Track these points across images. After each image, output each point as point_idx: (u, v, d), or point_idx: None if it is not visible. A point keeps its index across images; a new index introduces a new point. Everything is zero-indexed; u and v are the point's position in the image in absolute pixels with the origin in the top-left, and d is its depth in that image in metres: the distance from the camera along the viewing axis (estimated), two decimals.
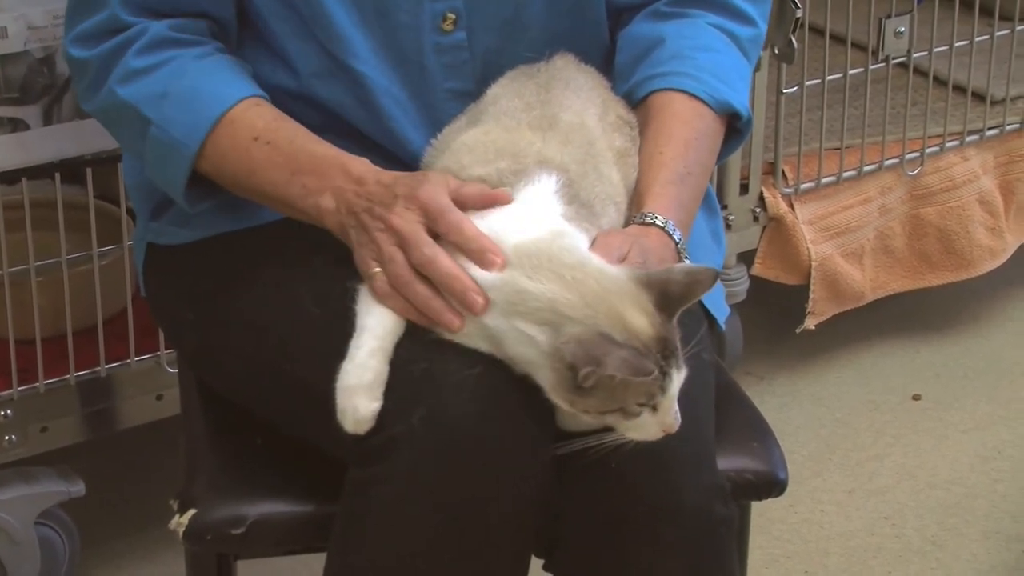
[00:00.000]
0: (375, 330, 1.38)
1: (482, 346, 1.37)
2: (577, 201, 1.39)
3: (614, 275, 1.34)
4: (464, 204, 1.38)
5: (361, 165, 1.44)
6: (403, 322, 1.38)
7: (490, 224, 1.37)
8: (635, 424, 1.33)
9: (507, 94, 1.50)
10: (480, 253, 1.35)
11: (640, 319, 1.32)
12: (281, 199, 1.47)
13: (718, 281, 1.38)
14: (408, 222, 1.37)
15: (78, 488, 2.08)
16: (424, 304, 1.36)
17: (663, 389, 1.32)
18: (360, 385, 1.36)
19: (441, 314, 1.36)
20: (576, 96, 1.49)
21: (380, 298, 1.38)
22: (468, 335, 1.36)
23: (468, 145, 1.45)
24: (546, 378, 1.33)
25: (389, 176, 1.42)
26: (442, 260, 1.35)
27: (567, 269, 1.33)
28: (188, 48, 1.52)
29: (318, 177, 1.44)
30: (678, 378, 1.34)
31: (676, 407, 1.34)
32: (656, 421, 1.34)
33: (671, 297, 1.34)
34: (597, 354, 1.29)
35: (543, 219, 1.37)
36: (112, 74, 1.51)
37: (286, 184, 1.45)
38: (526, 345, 1.33)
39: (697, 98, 1.52)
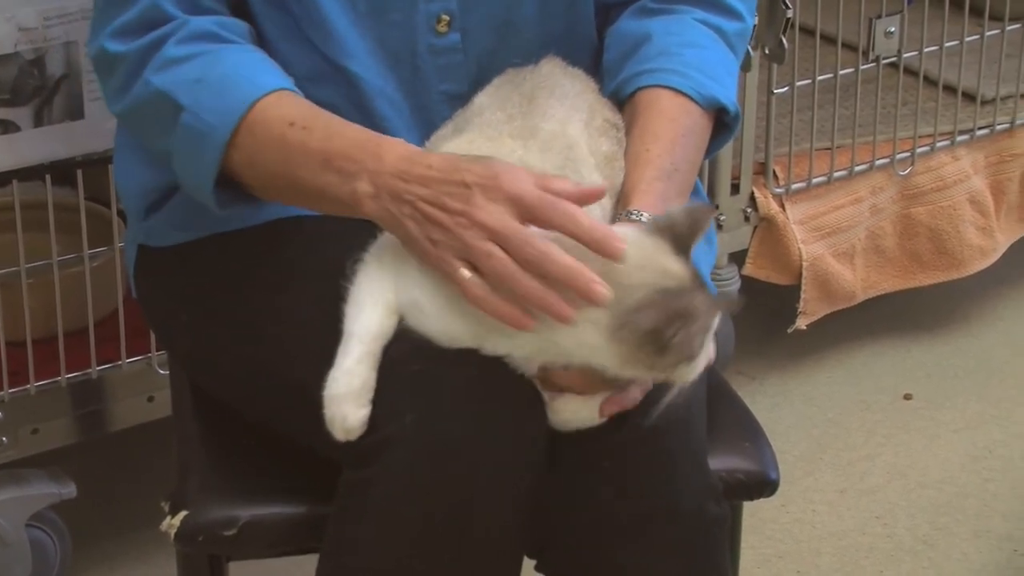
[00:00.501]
0: (362, 335, 1.37)
1: (526, 348, 1.35)
2: None
3: (635, 234, 1.35)
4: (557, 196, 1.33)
5: (398, 146, 1.38)
6: (390, 326, 1.37)
7: None
8: (692, 367, 1.33)
9: (491, 105, 1.50)
10: (604, 242, 1.29)
11: (674, 263, 1.33)
12: (317, 189, 1.41)
13: (713, 218, 1.39)
14: (500, 217, 1.31)
15: (69, 490, 2.08)
16: (539, 299, 1.30)
17: (711, 324, 1.34)
18: (348, 392, 1.35)
19: (559, 307, 1.30)
20: (560, 104, 1.49)
21: (473, 300, 1.32)
22: (519, 339, 1.34)
23: (449, 153, 1.44)
24: (614, 356, 1.31)
25: (439, 159, 1.36)
26: (557, 254, 1.29)
27: None
28: (228, 44, 1.48)
29: (353, 161, 1.38)
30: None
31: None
32: (703, 355, 1.35)
33: (680, 237, 1.34)
34: (679, 308, 1.29)
35: None
36: (148, 66, 1.47)
37: (321, 171, 1.40)
38: (586, 331, 1.31)
39: (684, 94, 1.52)
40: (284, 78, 1.48)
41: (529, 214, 1.31)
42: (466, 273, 1.32)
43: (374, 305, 1.38)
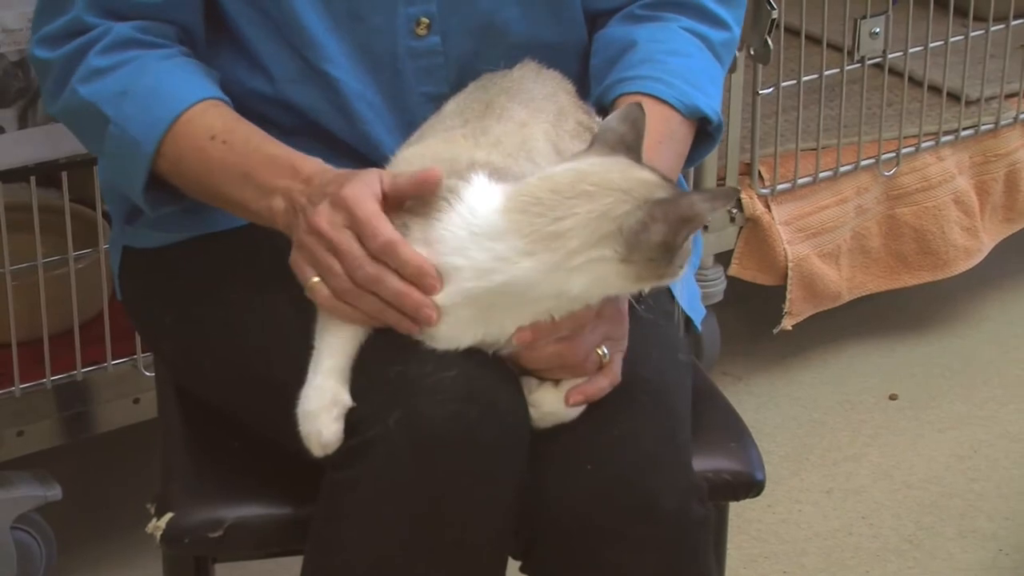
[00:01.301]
0: (329, 349, 1.38)
1: (532, 309, 1.36)
2: (511, 178, 1.39)
3: (603, 159, 1.37)
4: (403, 195, 1.36)
5: (312, 164, 1.42)
6: (358, 338, 1.38)
7: (464, 217, 1.36)
8: (687, 250, 1.36)
9: (454, 110, 1.51)
10: (417, 277, 1.34)
11: (647, 173, 1.36)
12: (237, 201, 1.46)
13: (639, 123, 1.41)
14: (334, 227, 1.35)
15: (55, 492, 2.08)
16: (379, 314, 1.36)
17: None
18: (320, 408, 1.36)
19: (400, 323, 1.36)
20: (522, 106, 1.49)
21: (321, 306, 1.37)
22: (527, 307, 1.36)
23: (407, 159, 1.45)
24: (628, 279, 1.34)
25: (333, 175, 1.40)
26: (387, 279, 1.34)
27: (580, 183, 1.34)
28: (151, 49, 1.51)
29: (269, 178, 1.43)
30: None
31: None
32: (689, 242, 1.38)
33: (631, 145, 1.38)
34: (682, 215, 1.32)
35: (500, 189, 1.37)
36: (75, 74, 1.51)
37: (241, 186, 1.44)
38: (596, 271, 1.33)
39: (665, 102, 1.53)
40: (208, 87, 1.50)
41: (357, 232, 1.35)
42: (315, 280, 1.37)
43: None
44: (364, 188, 1.36)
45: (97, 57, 1.50)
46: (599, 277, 1.33)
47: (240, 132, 1.47)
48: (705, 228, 2.54)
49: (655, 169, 1.37)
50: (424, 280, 1.34)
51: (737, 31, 1.64)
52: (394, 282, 1.34)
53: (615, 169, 1.35)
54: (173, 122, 1.47)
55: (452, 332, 1.37)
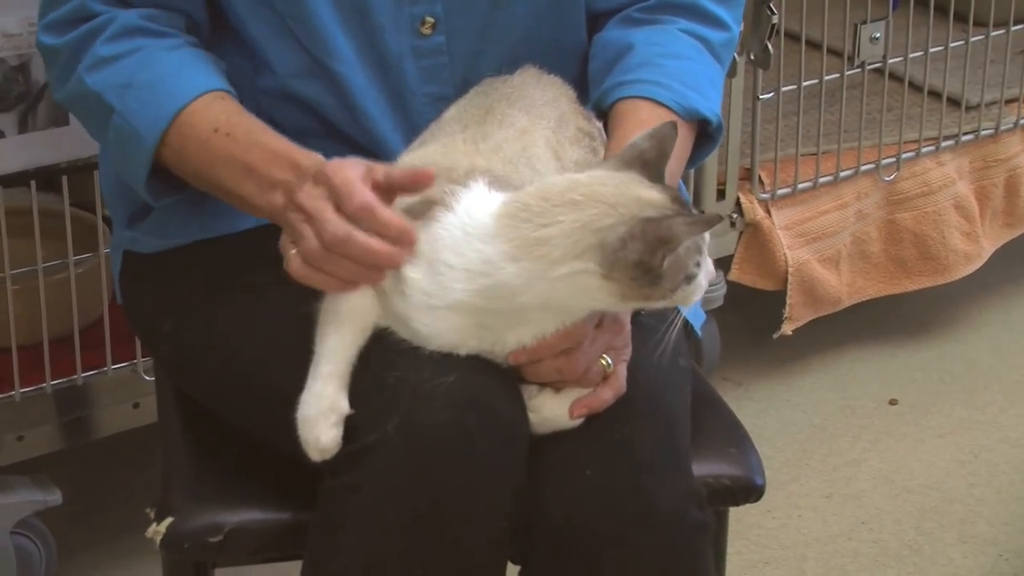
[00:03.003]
0: (328, 355, 1.38)
1: (525, 334, 1.36)
2: (511, 189, 1.39)
3: (605, 172, 1.36)
4: (396, 187, 1.37)
5: (310, 159, 1.42)
6: (357, 344, 1.38)
7: (460, 217, 1.36)
8: (694, 286, 1.35)
9: (454, 117, 1.51)
10: (397, 235, 1.34)
11: (650, 192, 1.34)
12: (239, 195, 1.45)
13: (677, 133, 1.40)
14: (312, 198, 1.36)
15: (54, 497, 2.08)
16: (351, 275, 1.36)
17: (703, 241, 1.35)
18: (319, 414, 1.36)
19: (370, 279, 1.36)
20: (523, 113, 1.49)
21: (293, 274, 1.37)
22: (520, 327, 1.36)
23: (408, 164, 1.45)
24: (612, 296, 1.33)
25: (328, 164, 1.40)
26: (355, 236, 1.34)
27: (569, 192, 1.33)
28: (157, 39, 1.51)
29: (269, 172, 1.43)
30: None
31: (708, 257, 1.37)
32: (703, 274, 1.36)
33: (651, 163, 1.36)
34: (659, 234, 1.30)
35: (498, 196, 1.37)
36: (81, 62, 1.51)
37: (243, 180, 1.44)
38: (579, 284, 1.32)
39: (664, 105, 1.52)
40: (213, 77, 1.50)
41: (335, 199, 1.35)
42: (291, 252, 1.38)
43: (340, 324, 1.39)
44: (346, 163, 1.37)
45: (103, 45, 1.50)
46: (583, 290, 1.33)
47: (243, 125, 1.47)
48: None
49: (668, 189, 1.36)
50: (404, 236, 1.34)
51: (736, 30, 1.64)
52: (362, 238, 1.34)
53: (610, 183, 1.34)
54: (176, 116, 1.47)
55: (449, 340, 1.37)
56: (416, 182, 1.36)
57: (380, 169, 1.37)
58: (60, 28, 1.52)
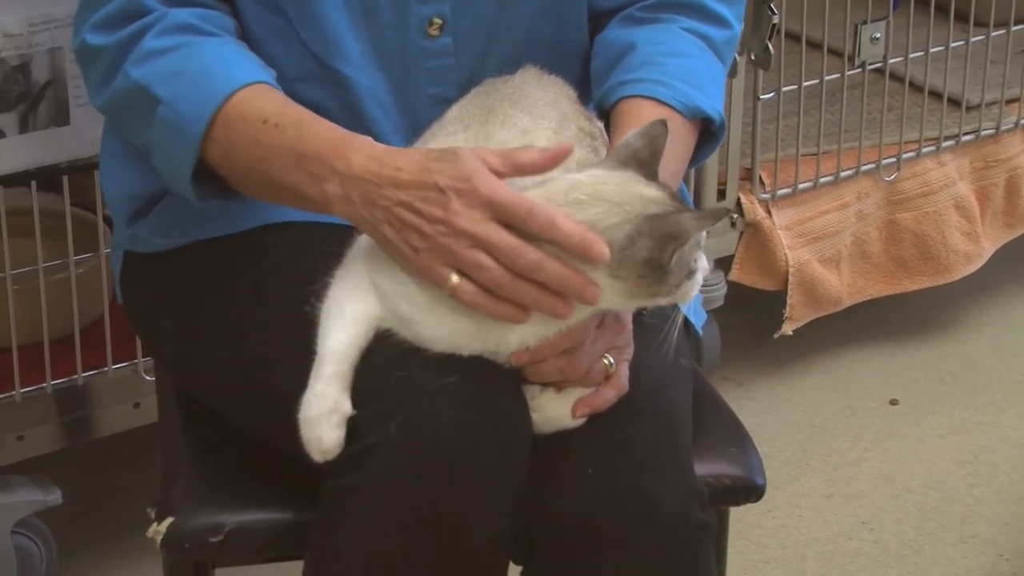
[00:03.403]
0: (330, 356, 1.37)
1: (528, 336, 1.36)
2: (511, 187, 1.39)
3: (604, 172, 1.36)
4: (524, 171, 1.34)
5: (366, 146, 1.38)
6: (360, 345, 1.38)
7: None
8: (693, 282, 1.35)
9: (456, 116, 1.51)
10: (583, 246, 1.30)
11: (649, 189, 1.34)
12: (290, 187, 1.41)
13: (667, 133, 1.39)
14: (483, 226, 1.31)
15: (55, 497, 2.08)
16: (536, 301, 1.32)
17: (701, 238, 1.36)
18: (321, 414, 1.36)
19: (555, 307, 1.32)
20: (525, 113, 1.49)
21: (469, 304, 1.33)
22: (520, 328, 1.36)
23: None
24: (619, 295, 1.33)
25: (407, 160, 1.35)
26: (549, 263, 1.31)
27: (573, 192, 1.33)
28: (208, 36, 1.48)
29: (321, 161, 1.38)
30: None
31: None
32: (700, 269, 1.36)
33: (645, 162, 1.36)
34: (668, 230, 1.30)
35: None
36: (128, 59, 1.47)
37: (294, 169, 1.40)
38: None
39: (666, 104, 1.52)
40: (262, 71, 1.48)
41: (508, 220, 1.32)
42: (455, 279, 1.32)
43: (342, 324, 1.38)
44: (490, 177, 1.32)
45: (152, 39, 1.46)
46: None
47: (292, 115, 1.43)
48: (706, 233, 2.53)
49: (665, 187, 1.36)
50: (592, 248, 1.30)
51: (738, 28, 1.64)
52: (556, 265, 1.31)
53: (612, 182, 1.34)
54: (224, 102, 1.43)
55: (452, 341, 1.37)
56: (556, 159, 1.34)
57: (494, 159, 1.33)
58: (109, 26, 1.49)
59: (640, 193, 1.34)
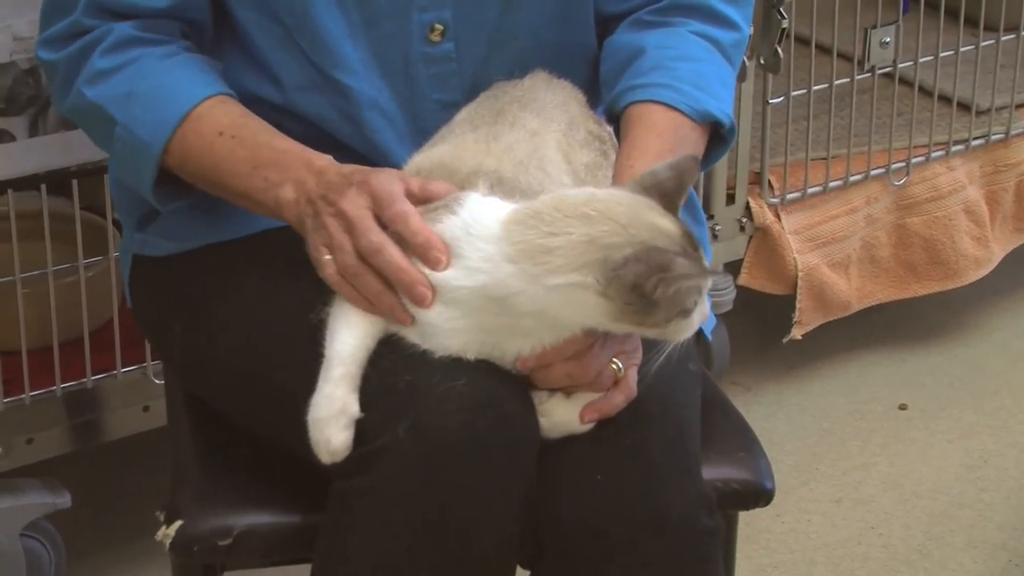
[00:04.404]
0: (339, 358, 1.38)
1: (525, 345, 1.36)
2: (518, 193, 1.39)
3: (623, 193, 1.36)
4: (428, 199, 1.38)
5: (323, 159, 1.44)
6: (368, 347, 1.38)
7: (464, 219, 1.36)
8: (687, 323, 1.35)
9: (465, 118, 1.51)
10: (424, 248, 1.35)
11: (665, 221, 1.34)
12: (243, 192, 1.46)
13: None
14: (357, 207, 1.37)
15: (64, 500, 2.08)
16: (375, 298, 1.37)
17: (705, 282, 1.35)
18: (329, 416, 1.36)
19: (393, 310, 1.36)
20: (534, 115, 1.49)
21: (331, 285, 1.38)
22: (518, 337, 1.36)
23: (418, 164, 1.45)
24: (606, 315, 1.33)
25: (350, 167, 1.42)
26: (389, 249, 1.35)
27: (583, 206, 1.33)
28: (154, 47, 1.52)
29: (280, 170, 1.44)
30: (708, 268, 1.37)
31: (706, 297, 1.37)
32: (697, 313, 1.36)
33: (668, 194, 1.37)
34: (661, 262, 1.30)
35: (504, 203, 1.37)
36: (80, 75, 1.52)
37: (248, 176, 1.45)
38: (574, 297, 1.32)
39: (675, 109, 1.52)
40: (214, 83, 1.51)
41: (379, 210, 1.37)
42: (326, 257, 1.38)
43: (350, 326, 1.39)
44: (391, 175, 1.39)
45: (101, 58, 1.51)
46: (578, 305, 1.33)
47: (249, 127, 1.48)
48: (715, 237, 2.54)
49: (682, 223, 1.36)
50: (431, 252, 1.34)
51: (747, 30, 1.64)
52: (395, 254, 1.35)
53: (626, 203, 1.34)
54: (180, 122, 1.48)
55: (455, 345, 1.37)
56: (432, 195, 1.38)
57: (415, 181, 1.39)
58: (56, 44, 1.54)
59: (652, 222, 1.33)
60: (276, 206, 1.43)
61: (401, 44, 1.55)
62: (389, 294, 1.36)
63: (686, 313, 1.34)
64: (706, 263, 1.36)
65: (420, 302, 1.35)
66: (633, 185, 1.38)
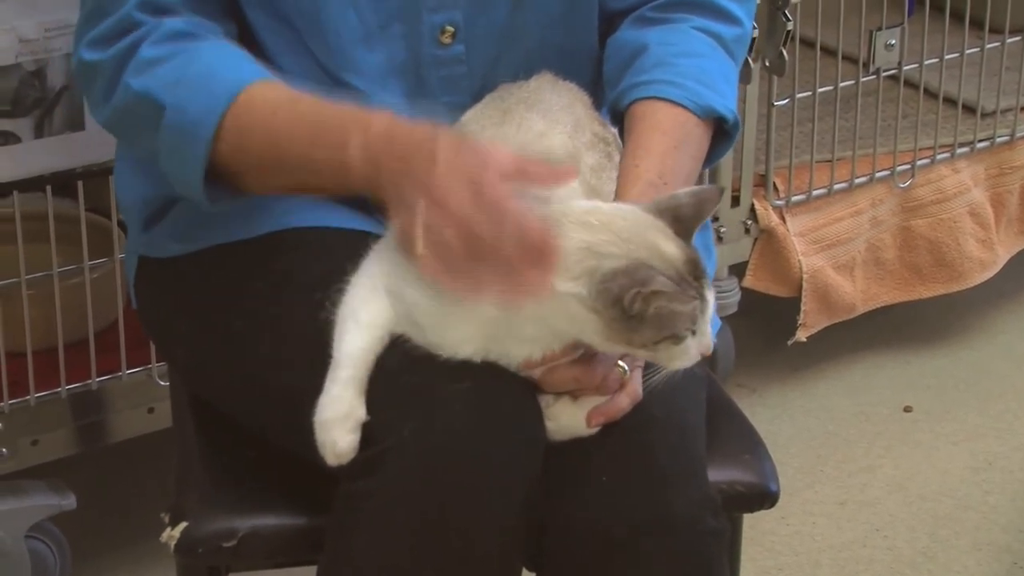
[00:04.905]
0: (346, 360, 1.38)
1: (525, 347, 1.35)
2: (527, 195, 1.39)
3: (632, 209, 1.36)
4: (530, 180, 1.32)
5: (385, 116, 1.37)
6: (375, 349, 1.38)
7: None
8: (681, 350, 1.34)
9: (471, 121, 1.51)
10: (541, 246, 1.28)
11: (669, 245, 1.33)
12: (306, 166, 1.40)
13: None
14: (457, 198, 1.28)
15: (69, 501, 2.08)
16: (486, 283, 1.30)
17: (702, 311, 1.34)
18: (336, 418, 1.36)
19: (523, 284, 1.29)
20: (541, 117, 1.49)
21: (428, 276, 1.31)
22: (520, 340, 1.35)
23: None
24: (596, 331, 1.32)
25: (421, 128, 1.34)
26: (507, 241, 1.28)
27: (588, 215, 1.33)
28: (202, 40, 1.49)
29: (341, 131, 1.37)
30: (711, 299, 1.35)
31: (709, 329, 1.36)
32: (695, 344, 1.35)
33: (684, 220, 1.35)
34: (641, 277, 1.29)
35: None
36: (126, 70, 1.48)
37: (310, 146, 1.39)
38: (569, 307, 1.32)
39: (679, 105, 1.52)
40: (263, 70, 1.48)
41: (475, 191, 1.29)
42: (420, 239, 1.30)
43: (358, 328, 1.39)
44: (489, 158, 1.31)
45: (148, 48, 1.47)
46: (572, 316, 1.32)
47: (305, 101, 1.42)
48: (720, 239, 2.54)
49: (689, 251, 1.34)
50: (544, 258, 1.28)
51: (749, 25, 1.64)
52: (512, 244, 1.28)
53: (630, 219, 1.34)
54: (234, 100, 1.43)
55: (458, 348, 1.37)
56: (557, 179, 1.33)
57: (508, 158, 1.32)
58: (104, 43, 1.49)
59: (653, 242, 1.33)
60: (344, 171, 1.37)
61: (412, 46, 1.55)
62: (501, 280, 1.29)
63: (676, 339, 1.33)
64: (707, 292, 1.34)
65: (543, 288, 1.29)
66: (648, 204, 1.37)
